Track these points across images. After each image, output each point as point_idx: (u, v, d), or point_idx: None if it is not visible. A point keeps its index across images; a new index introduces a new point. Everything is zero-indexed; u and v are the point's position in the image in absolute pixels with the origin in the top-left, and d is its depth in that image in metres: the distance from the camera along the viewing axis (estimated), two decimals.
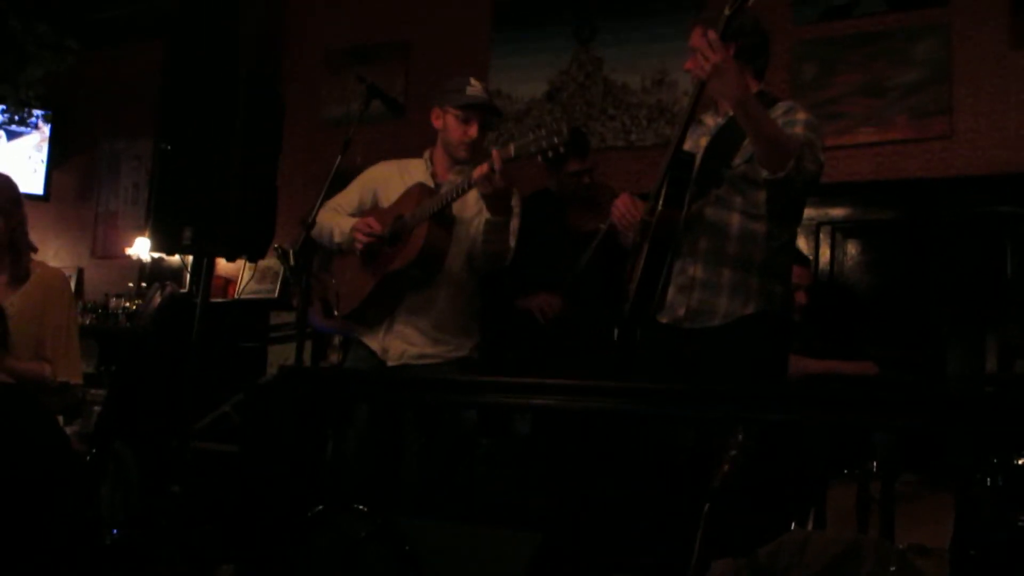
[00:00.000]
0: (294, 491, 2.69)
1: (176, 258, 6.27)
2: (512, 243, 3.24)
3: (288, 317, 5.22)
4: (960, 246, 4.46)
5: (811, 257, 4.73)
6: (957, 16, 4.64)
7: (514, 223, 3.22)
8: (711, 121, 2.99)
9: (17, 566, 2.86)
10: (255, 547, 2.71)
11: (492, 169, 2.91)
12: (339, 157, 3.24)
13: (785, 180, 2.66)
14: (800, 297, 3.96)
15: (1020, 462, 2.53)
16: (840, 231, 4.83)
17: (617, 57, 5.46)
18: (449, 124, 3.34)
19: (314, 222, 3.28)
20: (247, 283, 6.10)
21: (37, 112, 6.92)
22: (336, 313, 3.43)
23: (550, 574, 2.37)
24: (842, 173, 4.68)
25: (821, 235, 4.83)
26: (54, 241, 7.14)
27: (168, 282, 6.19)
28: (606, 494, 2.90)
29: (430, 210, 3.15)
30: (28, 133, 6.97)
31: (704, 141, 2.94)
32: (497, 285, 3.67)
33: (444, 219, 3.19)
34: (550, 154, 2.86)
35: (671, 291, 2.88)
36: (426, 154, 3.46)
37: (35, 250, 3.40)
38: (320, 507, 2.51)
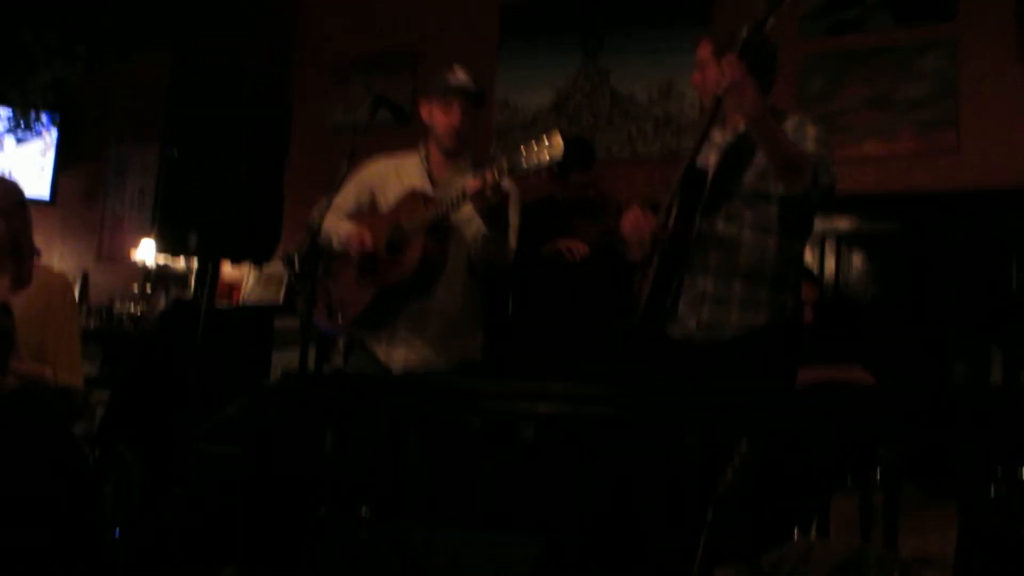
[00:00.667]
0: (297, 494, 2.69)
1: (181, 264, 6.29)
2: (513, 243, 3.24)
3: (293, 323, 5.22)
4: (965, 259, 4.47)
5: (816, 269, 4.73)
6: (964, 31, 4.65)
7: (514, 221, 3.21)
8: (719, 137, 2.99)
9: (19, 567, 2.85)
10: (257, 550, 2.71)
11: (484, 185, 2.93)
12: (345, 164, 3.25)
13: (803, 195, 2.68)
14: (808, 314, 3.95)
15: None
16: (845, 243, 4.83)
17: (624, 68, 5.47)
18: (434, 114, 3.36)
19: (319, 228, 3.28)
20: (252, 289, 6.10)
21: (45, 116, 6.94)
22: (339, 321, 3.43)
23: None
24: (848, 185, 4.65)
25: (826, 247, 4.83)
26: (60, 245, 7.15)
27: (173, 287, 6.21)
28: (610, 501, 2.90)
29: (427, 220, 3.15)
30: (36, 137, 6.99)
31: (713, 157, 2.95)
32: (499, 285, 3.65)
33: (441, 229, 3.19)
34: (543, 174, 2.85)
35: (682, 305, 2.89)
36: (421, 151, 3.45)
37: (38, 254, 3.40)
38: (323, 511, 2.51)
